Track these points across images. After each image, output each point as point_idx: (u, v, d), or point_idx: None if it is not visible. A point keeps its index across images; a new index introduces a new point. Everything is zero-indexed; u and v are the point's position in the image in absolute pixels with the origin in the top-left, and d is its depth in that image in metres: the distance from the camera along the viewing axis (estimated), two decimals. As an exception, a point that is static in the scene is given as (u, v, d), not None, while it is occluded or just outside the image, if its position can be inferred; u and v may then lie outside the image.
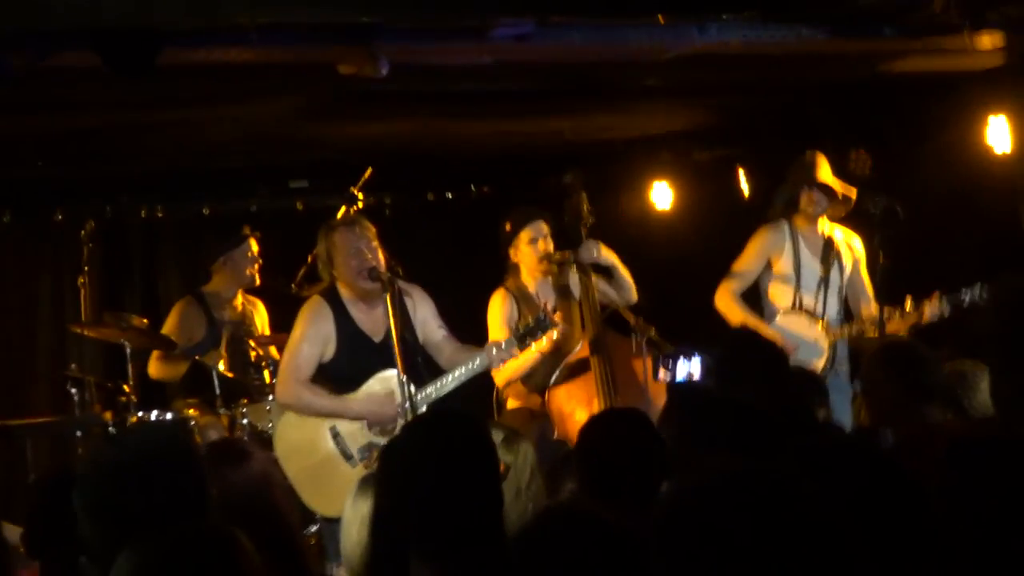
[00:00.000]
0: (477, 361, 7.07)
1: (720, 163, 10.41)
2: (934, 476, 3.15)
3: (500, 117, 9.43)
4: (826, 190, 8.02)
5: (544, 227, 7.91)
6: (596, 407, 7.39)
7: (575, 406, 7.52)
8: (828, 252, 8.09)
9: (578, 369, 7.55)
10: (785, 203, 8.13)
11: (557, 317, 7.35)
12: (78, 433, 8.14)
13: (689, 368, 7.10)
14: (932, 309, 7.68)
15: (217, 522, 3.12)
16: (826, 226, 8.17)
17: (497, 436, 4.58)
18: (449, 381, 7.04)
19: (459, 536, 3.21)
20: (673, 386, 7.00)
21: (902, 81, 8.59)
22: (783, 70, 8.30)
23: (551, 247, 7.88)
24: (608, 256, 7.82)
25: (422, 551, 3.25)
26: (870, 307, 8.04)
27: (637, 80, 8.34)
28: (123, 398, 8.10)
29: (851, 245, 8.19)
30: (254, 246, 8.83)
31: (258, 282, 8.79)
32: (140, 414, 8.09)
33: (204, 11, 6.23)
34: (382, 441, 6.81)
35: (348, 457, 6.99)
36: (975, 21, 7.39)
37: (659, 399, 7.12)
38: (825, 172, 8.03)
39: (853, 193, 7.99)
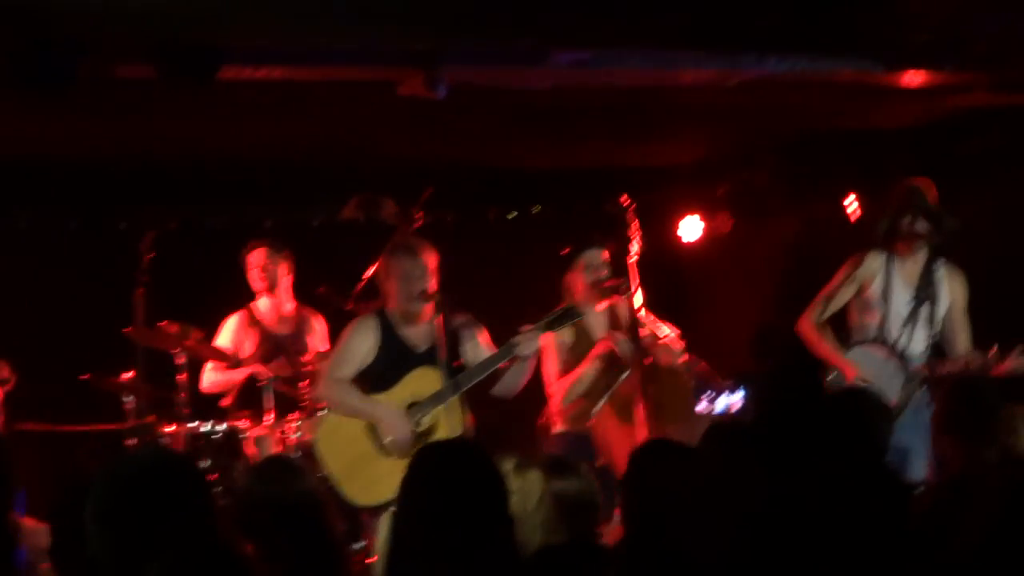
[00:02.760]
0: (507, 347, 7.15)
1: (779, 191, 10.36)
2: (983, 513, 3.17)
3: (560, 138, 9.46)
4: (931, 218, 7.76)
5: (601, 254, 7.92)
6: (638, 434, 7.40)
7: (620, 434, 7.52)
8: (923, 285, 7.86)
9: (625, 398, 7.54)
10: (885, 231, 7.86)
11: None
12: (130, 441, 8.21)
13: (730, 401, 7.10)
14: (1013, 362, 7.44)
15: (229, 539, 3.21)
16: (926, 258, 7.89)
17: (509, 463, 4.75)
18: (480, 368, 7.18)
19: (463, 554, 3.31)
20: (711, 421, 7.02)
21: (961, 116, 8.56)
22: (844, 101, 8.29)
23: (606, 274, 7.88)
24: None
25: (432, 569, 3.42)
26: (964, 349, 7.81)
27: (695, 106, 8.35)
28: (176, 409, 8.18)
29: (952, 281, 7.94)
30: (254, 258, 8.88)
31: (258, 290, 8.86)
32: (193, 424, 8.18)
33: (265, 32, 6.31)
34: (418, 432, 7.10)
35: (384, 449, 7.16)
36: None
37: (702, 429, 7.11)
38: (932, 200, 7.83)
39: (956, 223, 7.78)
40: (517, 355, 7.13)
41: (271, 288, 8.85)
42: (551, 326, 7.21)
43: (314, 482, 4.37)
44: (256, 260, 8.86)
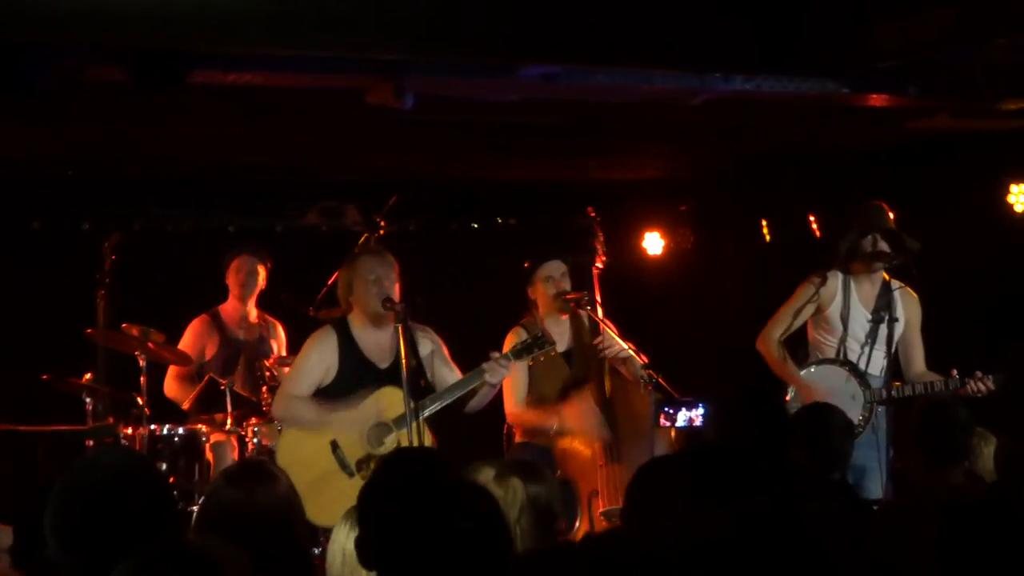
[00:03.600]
0: (475, 374, 7.13)
1: (741, 210, 10.43)
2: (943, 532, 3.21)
3: (526, 150, 9.51)
4: (892, 239, 7.80)
5: (561, 266, 7.94)
6: (597, 448, 7.45)
7: (576, 446, 7.56)
8: (881, 306, 7.89)
9: (582, 409, 7.58)
10: (846, 250, 7.87)
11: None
12: (89, 443, 8.19)
13: (690, 416, 7.15)
14: (973, 386, 7.49)
15: (195, 542, 3.21)
16: (884, 279, 7.94)
17: (489, 472, 4.73)
18: (446, 393, 7.13)
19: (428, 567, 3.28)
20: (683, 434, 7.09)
21: (922, 140, 8.65)
22: (807, 122, 8.37)
23: (567, 286, 7.91)
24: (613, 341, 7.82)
25: None
26: (919, 369, 7.92)
27: (660, 123, 8.41)
28: (135, 411, 8.18)
29: (908, 303, 7.98)
30: (238, 264, 8.93)
31: (235, 294, 8.90)
32: (152, 427, 8.17)
33: (236, 39, 6.33)
34: (380, 453, 6.97)
35: (346, 468, 7.09)
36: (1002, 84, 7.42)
37: (661, 443, 7.20)
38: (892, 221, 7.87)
39: (916, 244, 7.76)
40: (485, 382, 7.13)
41: (249, 295, 8.87)
42: (520, 355, 7.21)
43: (289, 487, 4.34)
44: (241, 266, 8.88)
